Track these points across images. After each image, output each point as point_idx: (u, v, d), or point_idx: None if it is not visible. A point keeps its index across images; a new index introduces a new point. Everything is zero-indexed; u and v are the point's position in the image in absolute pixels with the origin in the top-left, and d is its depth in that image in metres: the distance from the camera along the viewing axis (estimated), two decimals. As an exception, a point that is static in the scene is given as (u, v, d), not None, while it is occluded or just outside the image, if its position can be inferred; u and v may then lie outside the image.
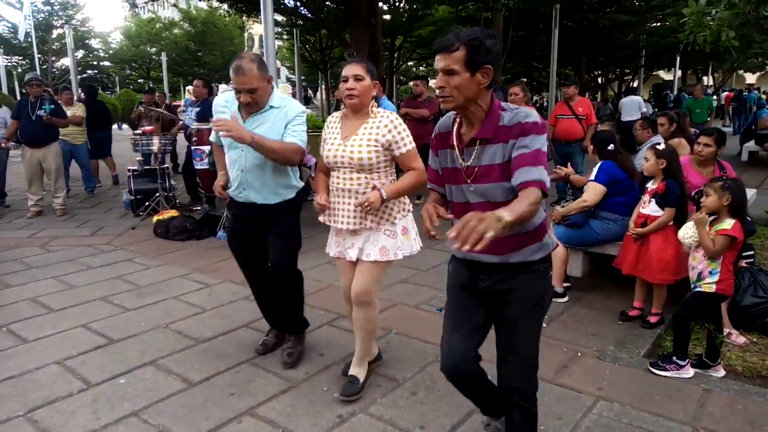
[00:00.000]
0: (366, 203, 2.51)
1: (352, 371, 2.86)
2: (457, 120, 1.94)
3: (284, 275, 3.08)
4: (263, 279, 3.19)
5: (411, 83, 7.84)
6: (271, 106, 2.91)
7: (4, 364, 3.11)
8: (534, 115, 1.81)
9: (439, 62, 1.78)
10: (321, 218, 2.82)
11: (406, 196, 2.77)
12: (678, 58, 21.68)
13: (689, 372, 2.98)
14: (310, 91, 30.22)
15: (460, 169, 1.91)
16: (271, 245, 3.04)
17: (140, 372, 3.02)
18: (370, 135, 2.58)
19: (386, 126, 2.59)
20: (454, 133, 1.93)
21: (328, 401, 2.73)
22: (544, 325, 3.57)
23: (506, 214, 1.60)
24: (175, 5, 27.34)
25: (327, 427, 2.52)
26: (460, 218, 1.75)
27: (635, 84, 26.14)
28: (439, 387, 2.84)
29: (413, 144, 2.67)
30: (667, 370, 2.98)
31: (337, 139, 2.66)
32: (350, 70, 2.57)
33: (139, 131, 7.27)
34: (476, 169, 1.87)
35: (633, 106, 12.02)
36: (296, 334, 3.25)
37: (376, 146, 2.57)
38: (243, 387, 2.87)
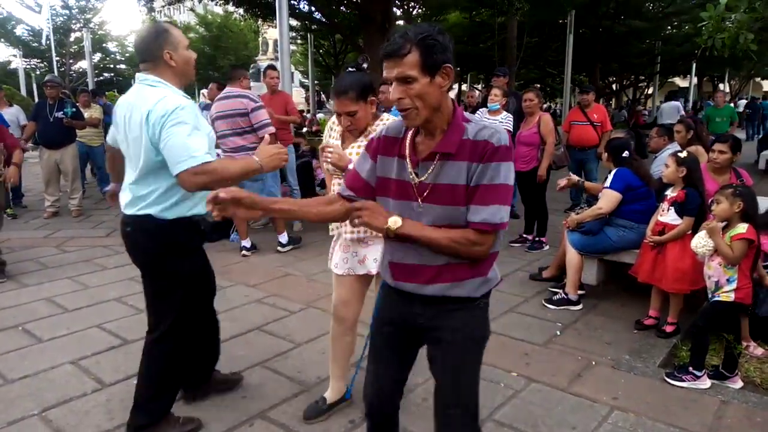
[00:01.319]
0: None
1: (327, 394, 2.70)
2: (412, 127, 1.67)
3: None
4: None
5: None
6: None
7: (20, 363, 3.14)
8: (503, 136, 1.56)
9: (391, 70, 1.52)
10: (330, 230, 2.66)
11: None
12: (694, 65, 21.49)
13: (706, 383, 2.93)
14: (323, 95, 30.33)
15: (409, 184, 1.63)
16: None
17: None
18: None
19: None
20: (408, 141, 1.66)
21: (340, 406, 2.72)
22: (557, 333, 3.55)
23: (399, 221, 1.54)
24: (192, 10, 27.63)
25: (338, 432, 2.52)
26: (399, 239, 1.60)
27: (650, 91, 25.94)
28: (452, 394, 2.82)
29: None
30: (683, 380, 2.93)
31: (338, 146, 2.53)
32: (339, 106, 2.35)
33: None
34: (431, 187, 1.59)
35: (672, 111, 12.25)
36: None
37: None
38: (255, 390, 2.87)
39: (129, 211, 2.31)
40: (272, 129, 5.16)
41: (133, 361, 3.15)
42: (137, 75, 2.32)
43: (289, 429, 2.54)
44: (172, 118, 2.13)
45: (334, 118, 2.57)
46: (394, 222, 1.54)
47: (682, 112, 12.31)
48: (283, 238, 5.42)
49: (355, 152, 2.43)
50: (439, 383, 1.75)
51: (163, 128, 2.12)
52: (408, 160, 1.64)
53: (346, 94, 2.28)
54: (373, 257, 2.48)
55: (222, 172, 2.16)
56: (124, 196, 2.34)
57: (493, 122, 5.60)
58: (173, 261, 2.34)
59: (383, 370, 1.86)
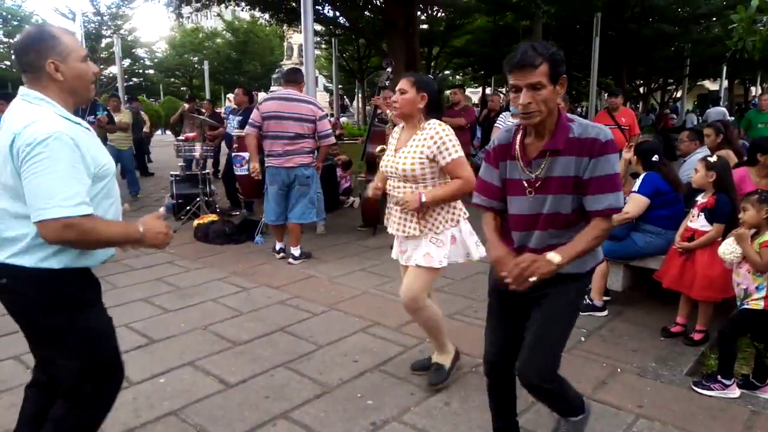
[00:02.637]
0: (402, 202, 2.65)
1: (435, 359, 3.02)
2: (520, 131, 1.96)
3: None
4: None
5: (448, 92, 7.87)
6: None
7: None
8: (606, 132, 1.86)
9: (523, 78, 1.79)
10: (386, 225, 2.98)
11: (458, 205, 2.83)
12: (725, 68, 21.02)
13: (735, 392, 2.86)
14: (346, 99, 30.51)
15: (521, 180, 1.93)
16: None
17: (179, 372, 3.09)
18: (417, 147, 2.71)
19: (432, 138, 2.68)
20: (518, 144, 1.94)
21: (362, 408, 2.73)
22: (582, 339, 3.51)
23: (558, 258, 1.78)
24: (219, 15, 28.12)
25: (360, 434, 2.53)
26: (519, 230, 2.01)
27: (679, 94, 25.46)
28: (474, 398, 2.82)
29: (460, 153, 2.73)
30: (711, 389, 2.87)
31: (391, 150, 2.86)
32: (399, 83, 2.75)
33: (182, 137, 7.50)
34: (542, 180, 1.89)
35: (718, 116, 13.51)
36: None
37: (421, 158, 2.69)
38: (278, 390, 2.90)
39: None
40: (333, 140, 5.23)
41: (159, 359, 3.23)
42: (20, 88, 1.84)
43: (311, 430, 2.56)
44: (39, 151, 1.64)
45: (397, 128, 2.94)
46: (554, 258, 1.80)
47: (728, 117, 12.47)
48: (296, 251, 5.26)
49: (407, 154, 2.73)
50: (527, 339, 2.00)
51: (25, 162, 1.65)
52: (520, 160, 1.93)
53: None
54: (408, 253, 2.85)
55: (96, 234, 1.73)
56: None
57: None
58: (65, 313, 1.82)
59: (494, 332, 2.20)
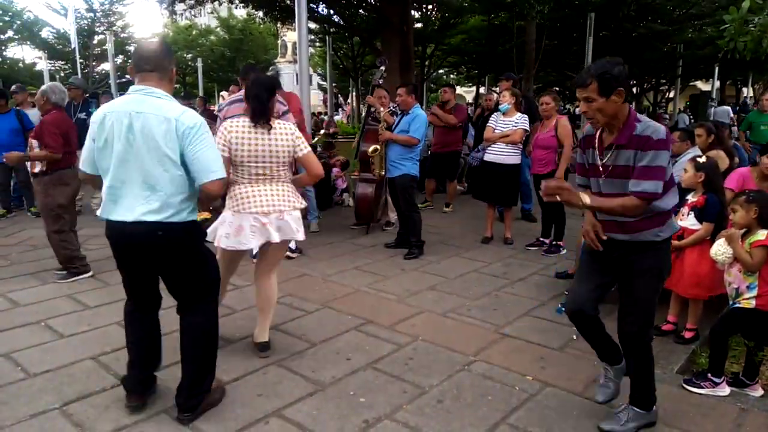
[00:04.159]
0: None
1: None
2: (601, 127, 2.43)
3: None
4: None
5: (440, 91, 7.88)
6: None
7: (42, 357, 3.22)
8: (660, 131, 2.26)
9: (580, 94, 2.33)
10: None
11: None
12: (717, 69, 21.13)
13: (725, 390, 2.89)
14: (340, 98, 30.47)
15: (597, 165, 2.41)
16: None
17: (172, 370, 3.07)
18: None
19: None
20: (597, 137, 2.42)
21: (354, 406, 2.74)
22: (574, 337, 3.53)
23: (589, 200, 2.31)
24: (212, 12, 28.01)
25: (353, 432, 2.53)
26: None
27: (671, 95, 25.59)
28: (466, 396, 2.83)
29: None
30: (701, 387, 2.90)
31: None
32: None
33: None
34: (610, 168, 2.36)
35: (723, 114, 14.85)
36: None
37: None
38: (270, 388, 2.90)
39: (155, 218, 2.42)
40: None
41: (152, 357, 3.21)
42: (137, 85, 2.47)
43: (304, 427, 2.57)
44: (203, 131, 2.43)
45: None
46: (585, 198, 2.31)
47: (732, 116, 12.75)
48: (292, 243, 5.35)
49: None
50: (622, 295, 2.51)
51: (193, 139, 2.40)
52: (597, 149, 2.41)
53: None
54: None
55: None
56: (137, 205, 2.42)
57: (507, 124, 5.60)
58: (201, 250, 2.67)
59: (579, 285, 2.63)
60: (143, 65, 2.47)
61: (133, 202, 2.42)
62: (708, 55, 17.70)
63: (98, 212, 2.57)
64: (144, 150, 2.38)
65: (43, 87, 4.95)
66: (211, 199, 2.69)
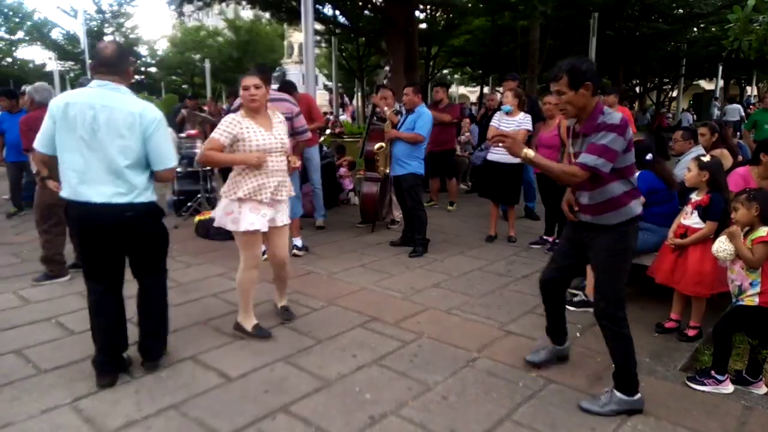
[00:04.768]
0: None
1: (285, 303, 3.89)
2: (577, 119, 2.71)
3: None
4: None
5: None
6: None
7: (53, 354, 3.26)
8: (616, 118, 2.51)
9: (553, 87, 2.59)
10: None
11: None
12: (720, 68, 21.06)
13: (728, 387, 2.91)
14: (346, 98, 30.51)
15: (571, 153, 2.71)
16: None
17: (180, 366, 3.13)
18: (281, 128, 3.55)
19: (282, 122, 3.59)
20: (572, 128, 2.72)
21: (360, 402, 2.77)
22: (577, 335, 3.55)
23: (533, 155, 2.54)
24: (220, 14, 28.11)
25: (358, 428, 2.56)
26: (572, 187, 2.78)
27: (675, 93, 25.51)
28: (470, 392, 2.86)
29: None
30: (705, 384, 2.91)
31: (262, 132, 3.39)
32: (246, 80, 3.38)
33: (183, 134, 7.52)
34: (578, 154, 2.61)
35: (734, 111, 15.76)
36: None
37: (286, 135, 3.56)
38: (277, 384, 2.93)
39: (123, 200, 2.76)
40: (309, 135, 5.23)
41: (161, 354, 3.26)
42: (97, 80, 2.78)
43: (310, 423, 2.60)
44: (162, 125, 2.82)
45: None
46: (529, 152, 2.53)
47: (743, 113, 12.80)
48: (299, 241, 5.34)
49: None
50: (594, 278, 2.77)
51: (155, 132, 2.78)
52: (571, 138, 2.72)
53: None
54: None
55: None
56: (104, 188, 2.73)
57: (510, 124, 5.63)
58: (162, 225, 3.05)
59: (550, 262, 3.01)
60: (103, 65, 2.78)
61: (102, 187, 2.73)
62: (712, 54, 17.64)
63: (61, 193, 2.81)
64: (108, 140, 2.70)
65: (28, 88, 5.03)
66: (163, 182, 3.10)
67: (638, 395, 2.68)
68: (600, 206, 2.62)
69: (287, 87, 5.64)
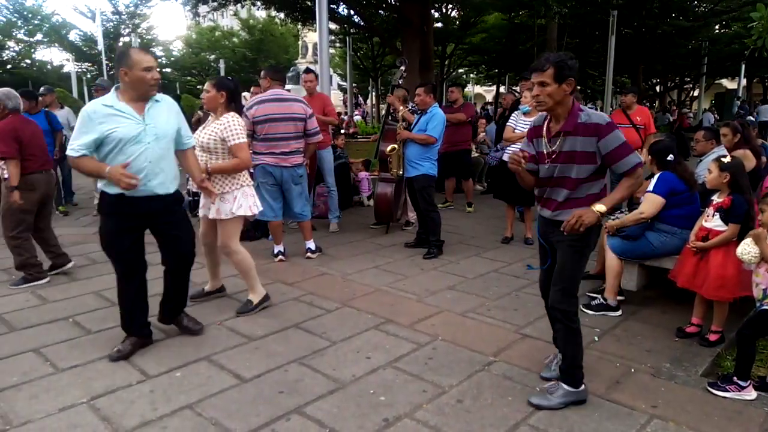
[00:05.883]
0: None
1: (249, 297, 3.97)
2: (548, 117, 2.69)
3: (191, 261, 3.56)
4: (143, 273, 3.47)
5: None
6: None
7: (70, 353, 3.30)
8: (605, 117, 2.57)
9: (536, 78, 2.54)
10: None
11: (241, 175, 3.85)
12: (743, 66, 20.69)
13: (751, 394, 2.84)
14: (360, 98, 30.54)
15: (544, 152, 2.68)
16: (172, 236, 3.43)
17: (195, 366, 3.14)
18: (214, 129, 3.77)
19: (222, 123, 3.72)
20: (545, 126, 2.68)
21: (374, 404, 2.75)
22: (596, 339, 3.50)
23: (602, 207, 2.52)
24: (235, 15, 28.33)
25: (373, 430, 2.54)
26: (539, 186, 2.81)
27: (696, 93, 25.14)
28: (486, 396, 2.82)
29: (243, 139, 3.73)
30: (727, 390, 2.85)
31: (201, 129, 3.88)
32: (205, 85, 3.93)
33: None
34: (557, 153, 2.62)
35: (767, 111, 16.03)
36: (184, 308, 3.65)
37: (214, 136, 3.73)
38: (292, 386, 2.93)
39: (170, 190, 3.25)
40: (321, 137, 5.22)
41: (176, 354, 3.28)
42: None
43: (324, 425, 2.59)
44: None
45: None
46: (600, 208, 2.52)
47: None
48: (312, 244, 5.33)
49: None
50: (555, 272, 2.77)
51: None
52: (545, 137, 2.68)
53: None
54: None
55: (82, 167, 3.06)
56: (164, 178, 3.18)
57: (527, 124, 5.56)
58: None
59: (541, 265, 2.98)
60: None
61: (161, 180, 3.15)
62: (734, 52, 17.33)
63: (116, 191, 3.07)
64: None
65: (41, 89, 5.01)
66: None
67: (582, 386, 2.75)
68: (576, 202, 2.64)
69: (282, 77, 5.32)
